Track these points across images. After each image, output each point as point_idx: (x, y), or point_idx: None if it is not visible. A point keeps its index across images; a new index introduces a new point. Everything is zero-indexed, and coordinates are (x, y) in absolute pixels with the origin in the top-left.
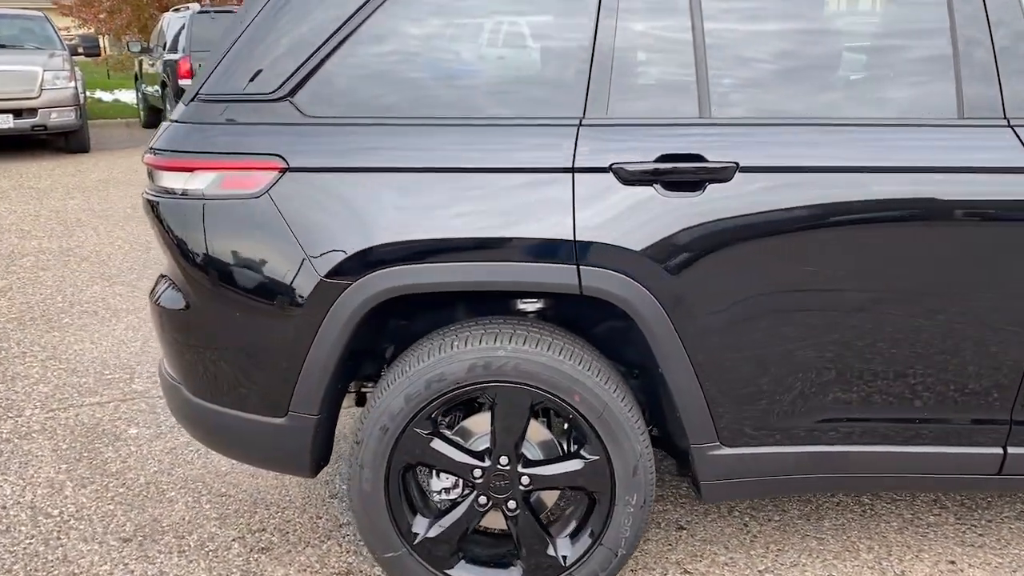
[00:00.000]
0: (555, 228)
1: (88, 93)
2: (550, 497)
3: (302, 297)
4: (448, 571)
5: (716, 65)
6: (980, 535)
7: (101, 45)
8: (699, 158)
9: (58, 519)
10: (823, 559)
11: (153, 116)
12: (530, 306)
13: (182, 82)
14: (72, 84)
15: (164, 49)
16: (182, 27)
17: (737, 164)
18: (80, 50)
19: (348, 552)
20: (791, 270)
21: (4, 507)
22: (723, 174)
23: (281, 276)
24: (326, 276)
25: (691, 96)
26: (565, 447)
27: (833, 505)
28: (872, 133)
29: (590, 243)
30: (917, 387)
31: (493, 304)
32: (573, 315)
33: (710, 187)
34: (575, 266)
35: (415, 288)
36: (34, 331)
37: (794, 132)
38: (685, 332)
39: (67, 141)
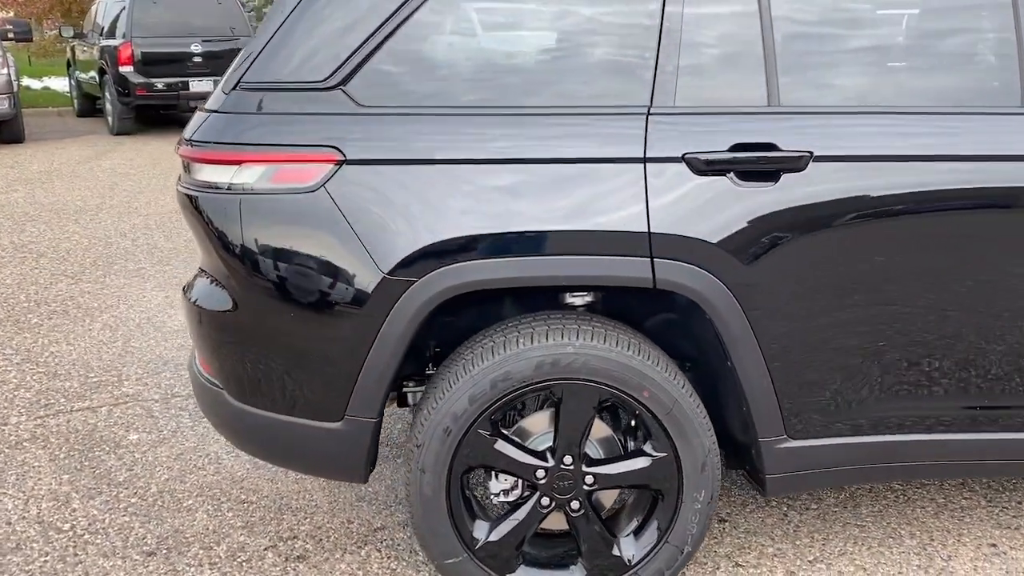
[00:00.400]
0: (629, 220)
1: None
2: (609, 496)
3: (364, 295)
4: (509, 575)
5: (784, 51)
6: (1014, 516)
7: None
8: (772, 147)
9: (71, 534)
10: (868, 546)
11: (88, 104)
12: (579, 299)
13: (123, 69)
14: (4, 71)
15: (100, 35)
16: (121, 11)
17: (811, 153)
18: (11, 35)
19: (389, 558)
20: (866, 261)
21: (9, 523)
22: (798, 163)
23: (340, 274)
24: (389, 273)
25: (759, 83)
26: (625, 444)
27: (866, 491)
28: (943, 121)
29: (665, 235)
30: (991, 375)
31: (541, 298)
32: (623, 308)
33: (784, 176)
34: (649, 259)
35: (485, 284)
36: (1, 333)
37: (866, 120)
38: (758, 325)
39: None
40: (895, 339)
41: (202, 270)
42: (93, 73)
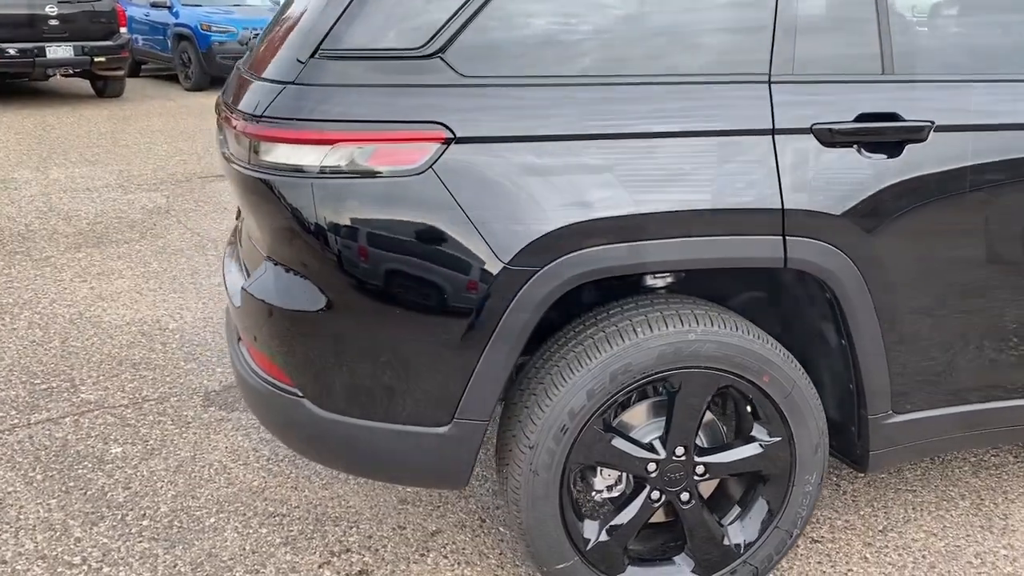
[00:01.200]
0: (763, 197)
1: None
2: (709, 483)
3: (482, 287)
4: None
5: (898, 19)
6: None
7: None
8: (895, 117)
9: (85, 568)
10: (928, 511)
11: None
12: (660, 281)
13: None
14: None
15: None
16: None
17: (933, 123)
18: None
19: (459, 564)
20: (987, 231)
21: (4, 561)
22: (920, 134)
23: (455, 264)
24: (510, 262)
25: (873, 52)
26: (726, 430)
27: None
28: None
29: (798, 211)
30: None
31: (622, 282)
32: (704, 288)
33: (908, 147)
34: (781, 238)
35: (614, 271)
36: None
37: (982, 88)
38: (879, 301)
39: None
40: (1013, 308)
41: (269, 258)
42: None
